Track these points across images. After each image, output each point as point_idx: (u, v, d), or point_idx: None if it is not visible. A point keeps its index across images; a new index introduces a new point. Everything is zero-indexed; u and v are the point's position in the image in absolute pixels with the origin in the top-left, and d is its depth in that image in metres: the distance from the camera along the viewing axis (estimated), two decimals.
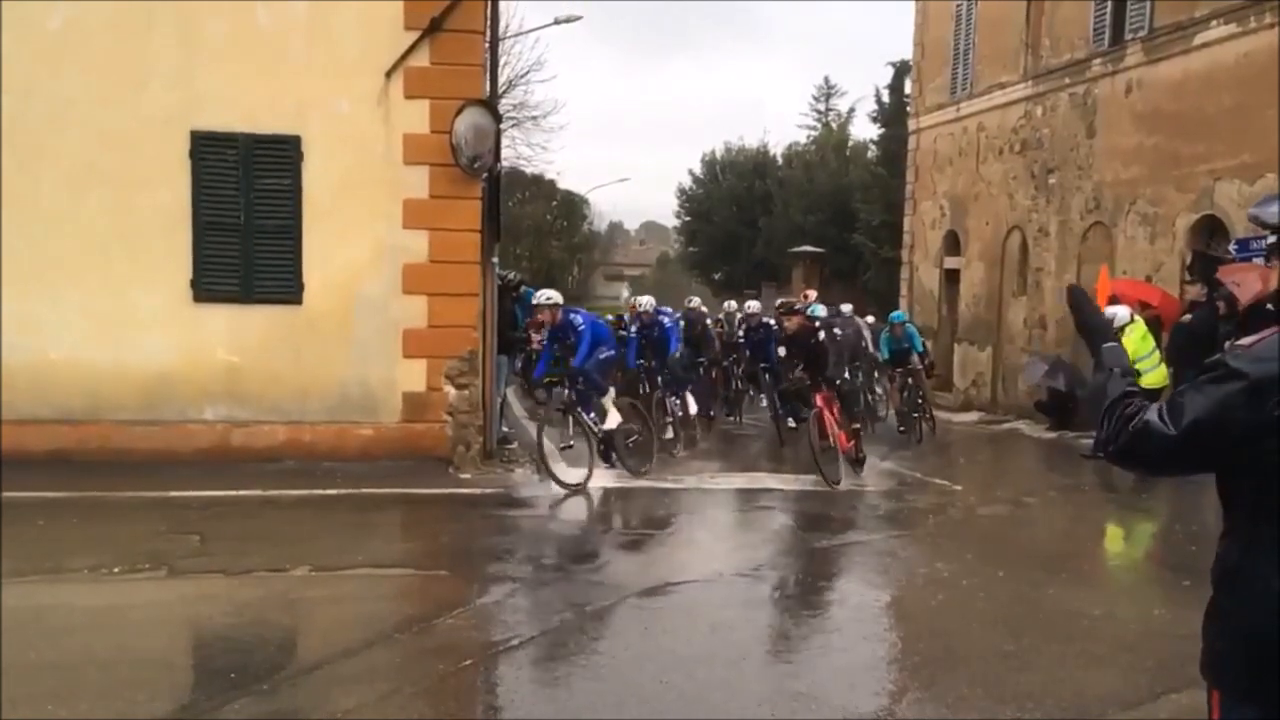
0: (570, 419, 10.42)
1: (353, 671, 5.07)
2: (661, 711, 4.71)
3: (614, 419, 10.33)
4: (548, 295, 10.52)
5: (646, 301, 14.28)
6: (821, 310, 13.52)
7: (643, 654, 5.64)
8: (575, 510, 9.48)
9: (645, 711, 4.70)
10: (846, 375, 10.39)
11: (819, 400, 10.12)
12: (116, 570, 6.60)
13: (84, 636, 5.67)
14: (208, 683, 4.92)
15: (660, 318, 13.81)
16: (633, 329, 13.93)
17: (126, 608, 6.20)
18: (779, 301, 12.43)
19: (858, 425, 10.70)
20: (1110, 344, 2.42)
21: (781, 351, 10.79)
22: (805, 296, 14.28)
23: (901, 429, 14.70)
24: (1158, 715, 4.74)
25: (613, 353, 10.91)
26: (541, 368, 10.83)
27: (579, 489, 9.77)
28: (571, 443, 10.41)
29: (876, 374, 16.51)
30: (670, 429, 12.68)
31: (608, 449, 10.34)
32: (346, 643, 5.42)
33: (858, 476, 10.72)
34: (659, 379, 13.37)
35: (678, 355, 13.62)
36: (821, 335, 10.37)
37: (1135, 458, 2.29)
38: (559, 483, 9.75)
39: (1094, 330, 2.48)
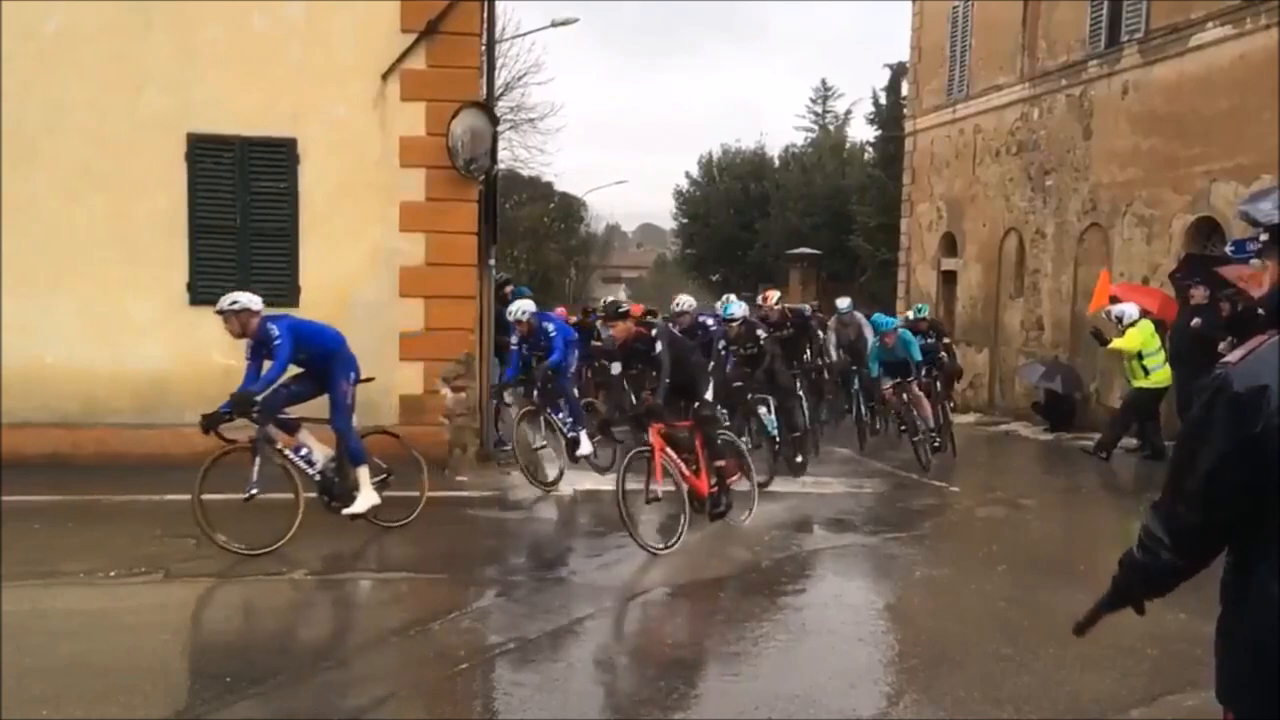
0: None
1: (350, 675, 5.06)
2: (659, 713, 4.70)
3: (586, 448, 10.04)
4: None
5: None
6: (741, 308, 11.28)
7: (640, 656, 5.64)
8: (572, 513, 9.47)
9: (643, 713, 4.69)
10: (710, 397, 8.12)
11: (651, 434, 7.64)
12: (113, 574, 6.59)
13: (80, 640, 5.66)
14: (204, 686, 4.90)
15: (704, 319, 11.67)
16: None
17: (123, 611, 6.19)
18: (607, 300, 11.30)
19: (724, 461, 8.13)
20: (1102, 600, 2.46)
21: (615, 369, 8.56)
22: (766, 297, 12.65)
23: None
24: (1155, 717, 4.74)
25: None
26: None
27: (552, 488, 9.90)
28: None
29: (844, 382, 14.43)
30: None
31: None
32: (343, 646, 5.41)
33: (740, 519, 8.39)
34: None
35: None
36: (660, 346, 7.87)
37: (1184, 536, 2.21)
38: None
39: (1105, 607, 2.49)
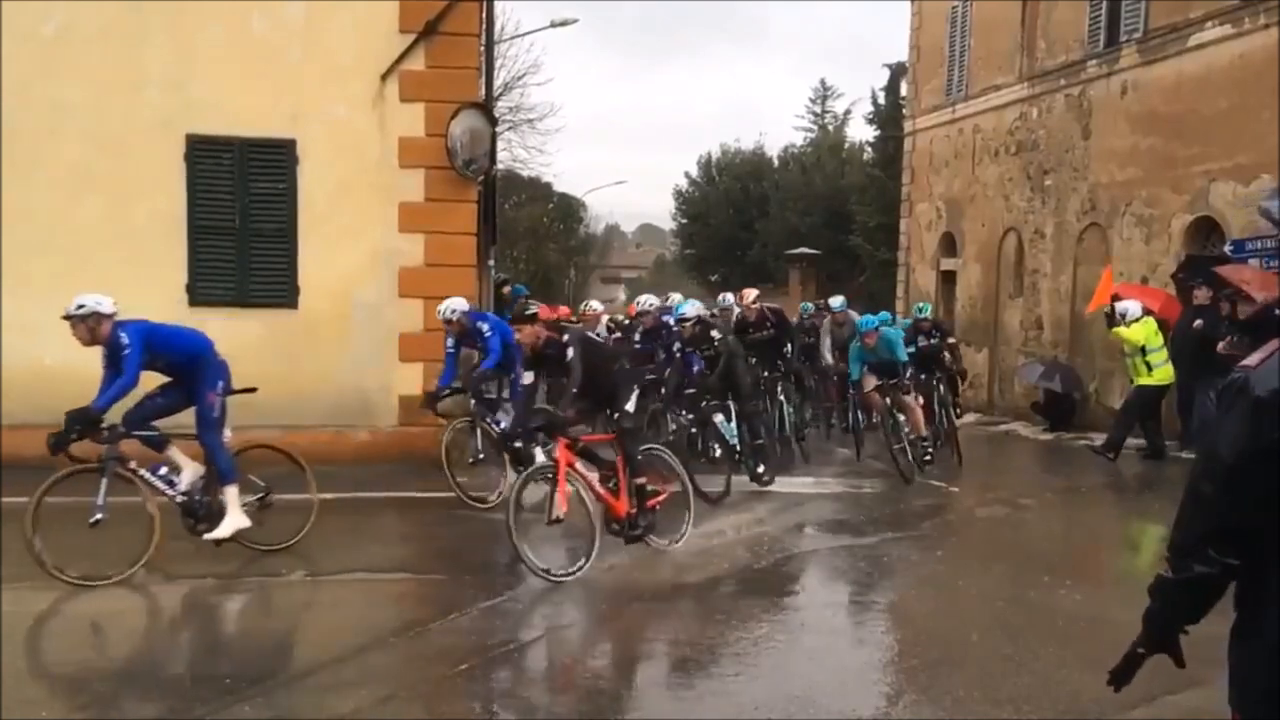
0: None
1: (349, 676, 5.06)
2: (659, 713, 4.70)
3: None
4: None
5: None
6: (694, 308, 10.72)
7: (639, 657, 5.64)
8: (572, 514, 9.43)
9: (643, 713, 4.69)
10: (630, 408, 7.24)
11: (558, 449, 6.94)
12: (112, 575, 6.58)
13: (80, 642, 5.66)
14: (203, 688, 4.89)
15: (668, 320, 11.25)
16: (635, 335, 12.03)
17: (122, 613, 6.19)
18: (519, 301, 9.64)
19: (645, 480, 7.25)
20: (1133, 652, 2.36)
21: (528, 378, 7.39)
22: (743, 296, 11.96)
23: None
24: (1155, 717, 4.73)
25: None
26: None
27: (490, 508, 8.78)
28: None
29: (819, 385, 13.91)
30: None
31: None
32: (343, 647, 5.41)
33: (667, 543, 7.47)
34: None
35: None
36: (571, 352, 7.03)
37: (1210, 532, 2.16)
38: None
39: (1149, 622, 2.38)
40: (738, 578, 7.07)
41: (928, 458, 11.15)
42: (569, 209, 44.37)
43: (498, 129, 12.57)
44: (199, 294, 10.47)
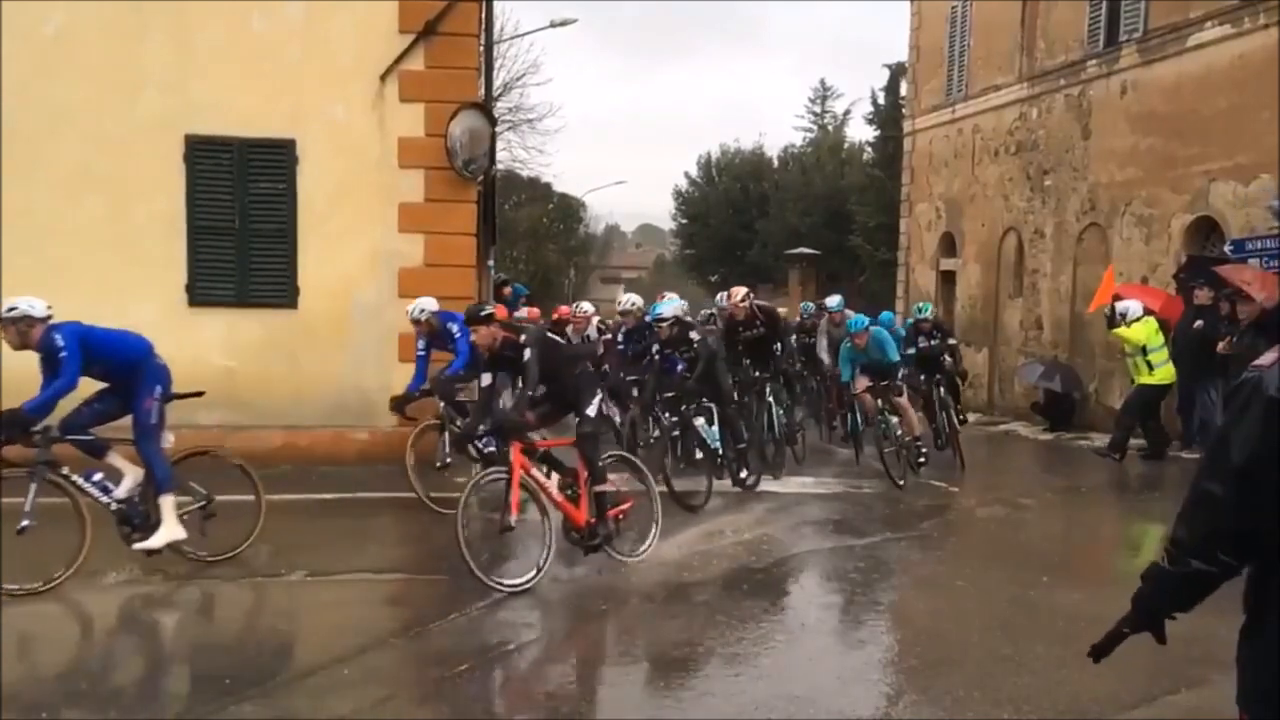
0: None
1: (349, 676, 5.05)
2: (657, 714, 4.70)
3: None
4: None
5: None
6: (671, 307, 10.28)
7: (639, 656, 5.64)
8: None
9: (643, 713, 4.69)
10: (592, 413, 6.96)
11: (512, 454, 6.65)
12: (112, 576, 6.58)
13: (80, 643, 5.66)
14: (203, 688, 4.90)
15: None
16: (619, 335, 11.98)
17: (122, 614, 6.19)
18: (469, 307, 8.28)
19: (606, 488, 6.98)
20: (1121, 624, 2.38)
21: (484, 380, 7.09)
22: (731, 294, 11.44)
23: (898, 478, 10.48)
24: (1155, 717, 4.73)
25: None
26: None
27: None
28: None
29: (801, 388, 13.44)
30: None
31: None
32: (342, 648, 5.40)
33: (631, 554, 7.15)
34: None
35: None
36: (528, 354, 6.79)
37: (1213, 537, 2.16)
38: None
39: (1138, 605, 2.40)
40: (738, 578, 7.07)
41: (922, 459, 10.89)
42: (569, 209, 44.37)
43: (497, 129, 12.56)
44: (198, 294, 10.48)
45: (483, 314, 6.95)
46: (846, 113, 42.39)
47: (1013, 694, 4.89)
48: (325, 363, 10.63)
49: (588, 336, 13.39)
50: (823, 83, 47.36)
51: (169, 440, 6.79)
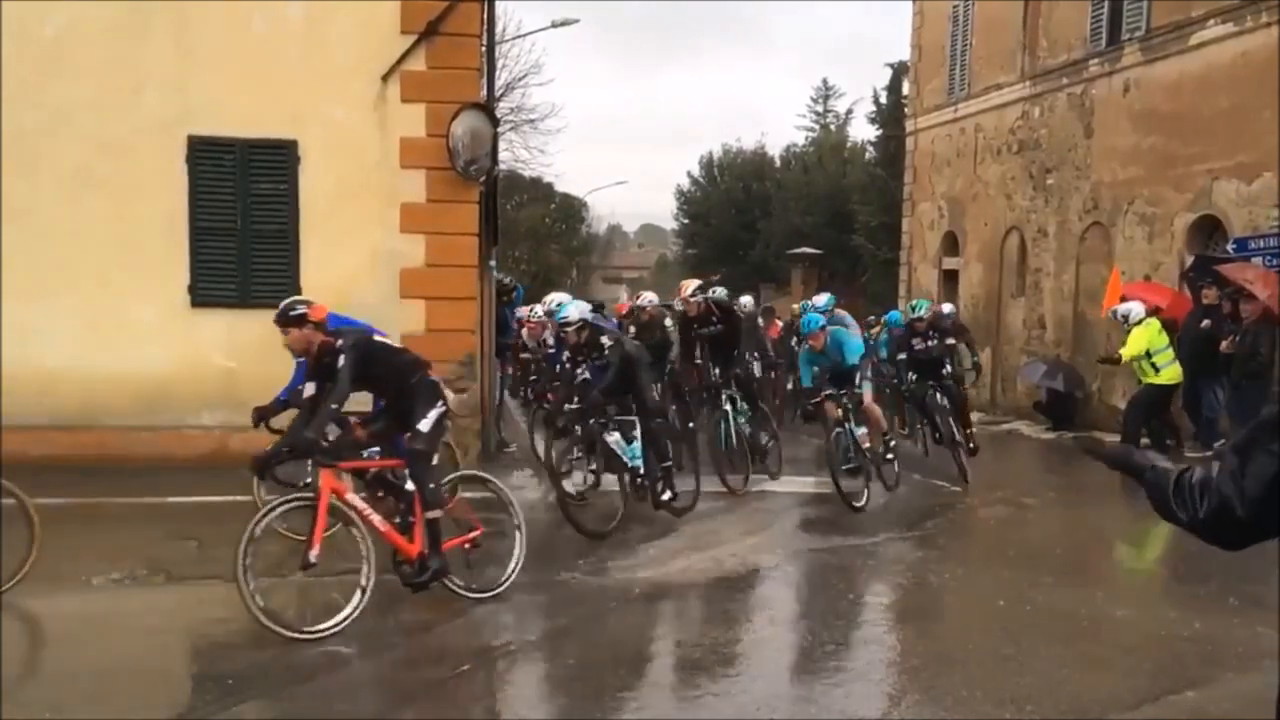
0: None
1: (350, 676, 5.05)
2: (659, 714, 4.70)
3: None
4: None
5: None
6: (576, 308, 9.05)
7: (640, 656, 5.63)
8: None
9: (643, 714, 4.68)
10: (425, 428, 6.05)
11: (321, 478, 5.97)
12: (115, 576, 6.58)
13: (81, 643, 5.66)
14: (206, 689, 4.89)
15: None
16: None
17: (124, 614, 6.20)
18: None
19: (442, 515, 6.17)
20: (1130, 452, 2.31)
21: (309, 389, 5.98)
22: (682, 288, 10.81)
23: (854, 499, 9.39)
24: (1157, 717, 4.72)
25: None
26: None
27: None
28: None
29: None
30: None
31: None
32: (343, 647, 5.40)
33: (486, 590, 6.34)
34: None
35: None
36: (341, 360, 5.85)
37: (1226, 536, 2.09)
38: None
39: (1116, 459, 2.35)
40: (739, 577, 7.07)
41: (890, 456, 10.03)
42: (570, 209, 44.38)
43: (499, 130, 12.54)
44: (200, 295, 10.47)
45: (293, 314, 5.95)
46: (848, 112, 42.39)
47: (1015, 694, 4.88)
48: None
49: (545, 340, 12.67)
50: (825, 82, 47.43)
51: None
